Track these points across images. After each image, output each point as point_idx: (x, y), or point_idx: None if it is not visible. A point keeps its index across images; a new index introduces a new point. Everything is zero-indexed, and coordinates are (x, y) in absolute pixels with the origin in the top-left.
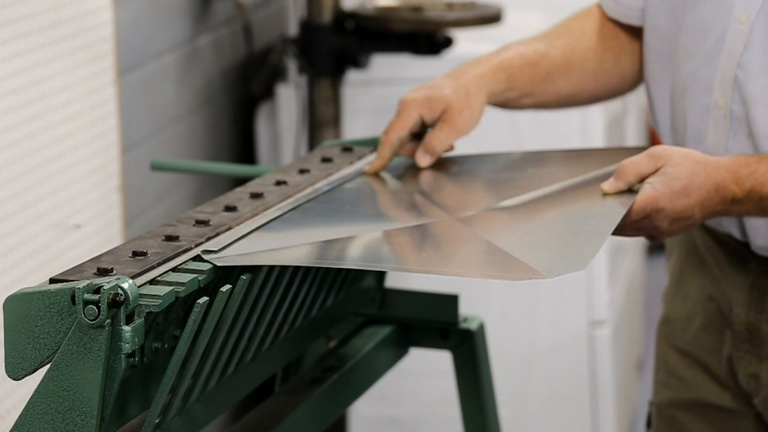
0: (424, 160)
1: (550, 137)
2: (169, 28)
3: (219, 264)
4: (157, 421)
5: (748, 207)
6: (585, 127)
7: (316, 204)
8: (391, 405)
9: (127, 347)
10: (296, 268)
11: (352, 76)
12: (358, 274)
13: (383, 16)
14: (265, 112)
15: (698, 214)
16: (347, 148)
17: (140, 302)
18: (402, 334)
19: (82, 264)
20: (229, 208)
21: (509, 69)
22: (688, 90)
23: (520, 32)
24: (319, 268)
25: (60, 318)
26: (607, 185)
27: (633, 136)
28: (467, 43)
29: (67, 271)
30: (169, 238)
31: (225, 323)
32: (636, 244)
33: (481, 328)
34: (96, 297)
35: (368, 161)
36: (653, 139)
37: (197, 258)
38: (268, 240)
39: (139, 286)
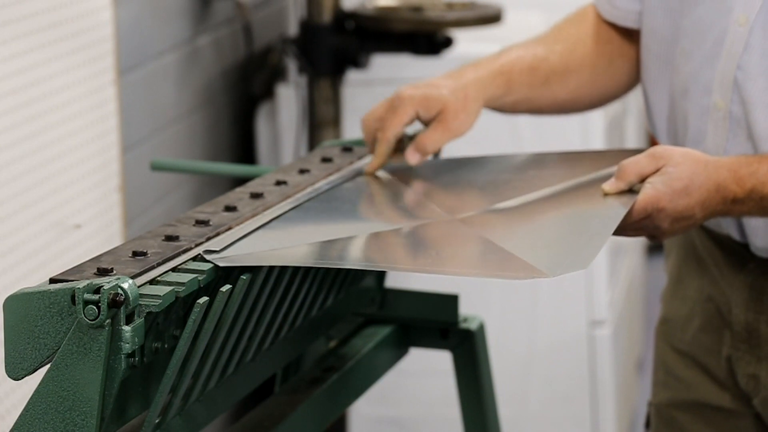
0: (413, 158)
1: (550, 138)
2: (169, 28)
3: (220, 264)
4: (157, 421)
5: (749, 207)
6: (585, 129)
7: (317, 203)
8: (391, 405)
9: (127, 347)
10: (296, 268)
11: (352, 76)
12: (358, 274)
13: (383, 16)
14: (265, 112)
15: (699, 214)
16: (347, 148)
17: (140, 302)
18: (402, 334)
19: (82, 264)
20: (229, 208)
21: (508, 74)
22: (687, 92)
23: (520, 32)
24: (319, 268)
25: (60, 318)
26: (608, 185)
27: (633, 137)
28: (467, 43)
29: (67, 271)
30: (169, 238)
31: (225, 323)
32: (636, 244)
33: (481, 328)
34: (96, 297)
35: (368, 161)
36: (653, 140)
37: (197, 258)
38: (269, 240)
39: (139, 286)
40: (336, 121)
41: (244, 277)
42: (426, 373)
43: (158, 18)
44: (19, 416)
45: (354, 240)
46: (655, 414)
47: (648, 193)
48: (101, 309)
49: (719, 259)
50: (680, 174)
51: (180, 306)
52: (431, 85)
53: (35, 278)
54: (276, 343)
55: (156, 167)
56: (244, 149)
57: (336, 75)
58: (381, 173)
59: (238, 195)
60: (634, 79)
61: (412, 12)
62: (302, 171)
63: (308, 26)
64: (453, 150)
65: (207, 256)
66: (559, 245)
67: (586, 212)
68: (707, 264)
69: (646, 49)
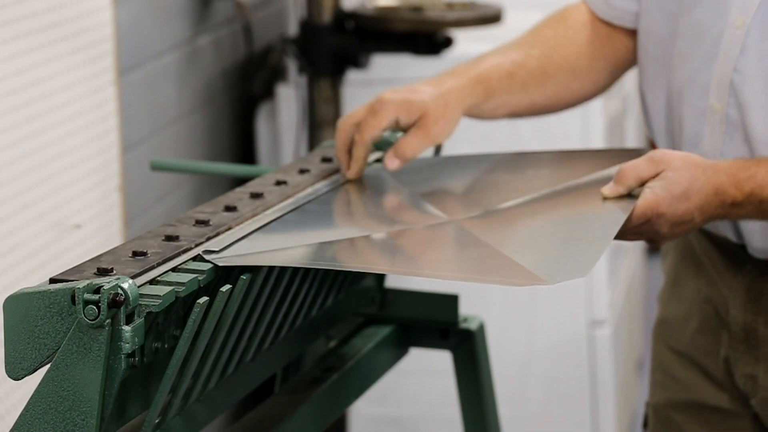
0: (392, 163)
1: (551, 138)
2: (169, 28)
3: (220, 264)
4: (157, 421)
5: (747, 210)
6: (585, 128)
7: (316, 205)
8: (391, 405)
9: (127, 347)
10: (296, 269)
11: (352, 76)
12: (358, 275)
13: (383, 16)
14: (265, 112)
15: (698, 218)
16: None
17: (140, 302)
18: (402, 334)
19: (82, 264)
20: (229, 208)
21: (487, 82)
22: (683, 94)
23: (520, 32)
24: (318, 268)
25: (60, 318)
26: (608, 189)
27: (633, 136)
28: (467, 43)
29: (67, 271)
30: (169, 238)
31: (225, 323)
32: (636, 245)
33: (481, 328)
34: (96, 297)
35: (369, 161)
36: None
37: (197, 258)
38: (268, 240)
39: (139, 286)
40: (336, 121)
41: (244, 277)
42: (426, 373)
43: (158, 18)
44: (19, 416)
45: (352, 241)
46: (653, 414)
47: (648, 198)
48: (101, 309)
49: (717, 261)
50: (679, 179)
51: (180, 306)
52: (412, 90)
53: (35, 278)
54: (276, 343)
55: (156, 167)
56: (244, 149)
57: (336, 75)
58: (384, 174)
59: (238, 195)
60: (613, 79)
61: (412, 12)
62: (302, 171)
63: (308, 26)
64: (454, 150)
65: (207, 256)
66: (559, 251)
67: (586, 216)
68: (705, 265)
69: (643, 50)
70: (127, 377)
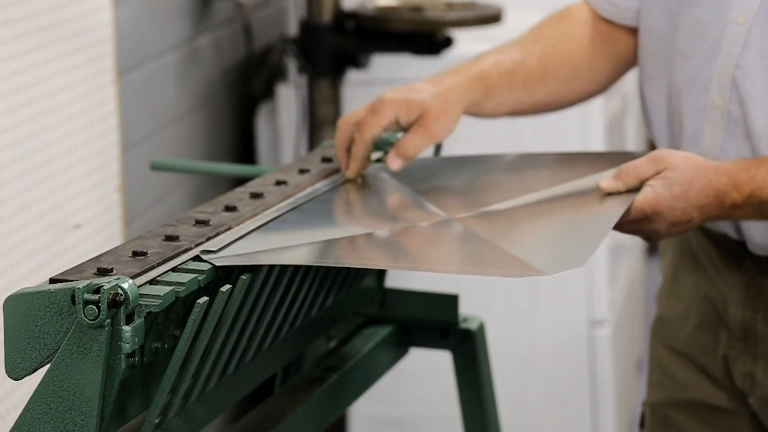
0: (395, 163)
1: (551, 138)
2: (169, 28)
3: (218, 264)
4: (157, 421)
5: (747, 211)
6: (585, 127)
7: (315, 204)
8: (391, 405)
9: (127, 347)
10: (296, 268)
11: (352, 76)
12: (358, 274)
13: (383, 16)
14: (265, 112)
15: (696, 219)
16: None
17: (140, 302)
18: (402, 334)
19: (82, 264)
20: (229, 208)
21: (486, 79)
22: (684, 91)
23: (520, 32)
24: (318, 268)
25: (60, 318)
26: (606, 182)
27: (633, 137)
28: (467, 43)
29: (67, 271)
30: (169, 238)
31: (225, 323)
32: (636, 244)
33: (481, 328)
34: (96, 297)
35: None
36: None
37: (197, 258)
38: (268, 240)
39: (139, 286)
40: (336, 121)
41: (244, 277)
42: (426, 373)
43: (158, 18)
44: (19, 416)
45: (353, 239)
46: (650, 413)
47: (648, 194)
48: (101, 309)
49: (715, 258)
50: (680, 179)
51: (180, 306)
52: (412, 89)
53: (35, 278)
54: (276, 343)
55: (156, 167)
56: (244, 149)
57: (336, 75)
58: (383, 173)
59: (238, 195)
60: (615, 78)
61: (412, 12)
62: (302, 171)
63: (308, 26)
64: (454, 149)
65: (205, 256)
66: (557, 244)
67: (584, 212)
68: (703, 263)
69: (644, 48)
70: (127, 377)
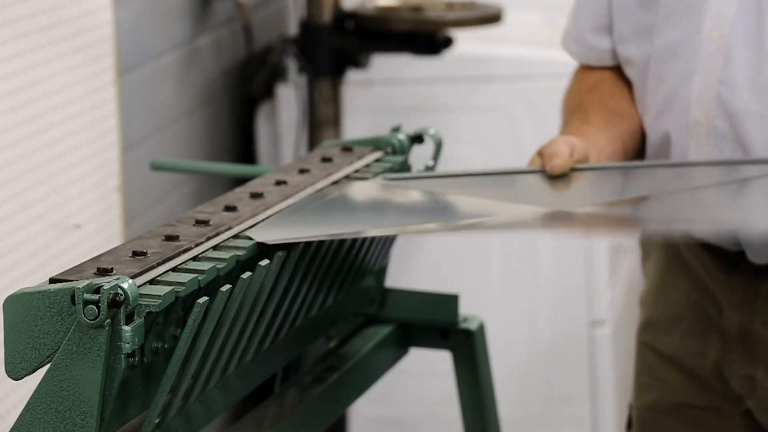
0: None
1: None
2: (169, 28)
3: (269, 242)
4: (157, 421)
5: None
6: None
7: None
8: (391, 405)
9: (127, 347)
10: (296, 267)
11: (352, 76)
12: (358, 274)
13: (383, 16)
14: (265, 112)
15: None
16: (347, 148)
17: (140, 302)
18: (402, 334)
19: (81, 264)
20: (229, 208)
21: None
22: (664, 113)
23: (520, 32)
24: (320, 267)
25: (60, 318)
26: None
27: None
28: (467, 43)
29: (66, 271)
30: (169, 238)
31: (225, 323)
32: (636, 244)
33: (481, 328)
34: (96, 297)
35: (369, 161)
36: None
37: (197, 258)
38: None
39: (139, 286)
40: (336, 121)
41: (244, 277)
42: (426, 373)
43: (158, 18)
44: (19, 416)
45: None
46: (637, 416)
47: None
48: (101, 309)
49: (708, 263)
50: None
51: (180, 306)
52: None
53: (35, 278)
54: (276, 343)
55: (156, 167)
56: (244, 149)
57: (336, 75)
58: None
59: (238, 195)
60: None
61: (412, 12)
62: (302, 171)
63: (308, 26)
64: (454, 149)
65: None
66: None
67: None
68: (693, 268)
69: (634, 83)
70: (127, 377)
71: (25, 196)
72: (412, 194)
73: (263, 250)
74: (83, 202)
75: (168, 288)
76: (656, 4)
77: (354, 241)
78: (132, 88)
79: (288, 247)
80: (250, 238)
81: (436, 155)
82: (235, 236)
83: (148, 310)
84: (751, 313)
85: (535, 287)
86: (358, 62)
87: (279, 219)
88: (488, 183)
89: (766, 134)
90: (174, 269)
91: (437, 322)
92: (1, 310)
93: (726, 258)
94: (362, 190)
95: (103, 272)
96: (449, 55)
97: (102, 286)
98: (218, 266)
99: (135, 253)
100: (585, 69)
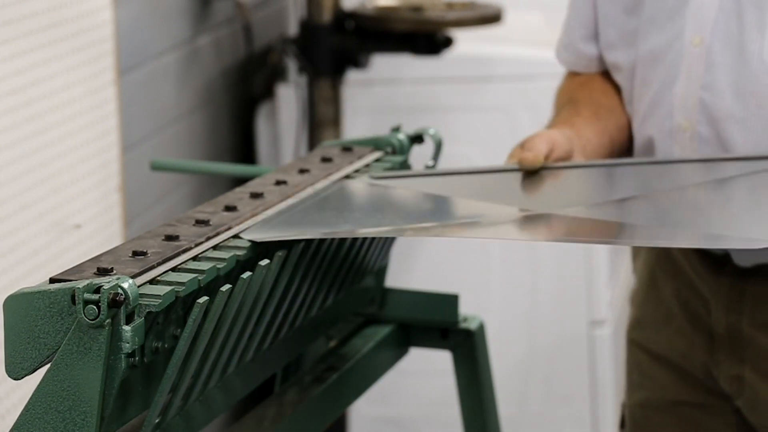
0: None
1: None
2: (169, 28)
3: (258, 240)
4: (157, 420)
5: None
6: None
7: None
8: (391, 405)
9: (127, 347)
10: (296, 266)
11: (352, 76)
12: (358, 274)
13: (383, 16)
14: (265, 112)
15: None
16: (347, 148)
17: (140, 302)
18: (402, 334)
19: (81, 264)
20: (229, 208)
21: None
22: (649, 117)
23: (520, 32)
24: (319, 268)
25: (60, 318)
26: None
27: None
28: (467, 43)
29: (67, 270)
30: (169, 238)
31: (225, 323)
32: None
33: (481, 328)
34: (96, 297)
35: (369, 161)
36: None
37: (197, 258)
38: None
39: (139, 286)
40: (336, 121)
41: (244, 277)
42: (426, 373)
43: (158, 18)
44: (19, 416)
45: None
46: (630, 415)
47: None
48: (101, 309)
49: (696, 263)
50: None
51: (180, 306)
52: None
53: (35, 278)
54: (276, 343)
55: (156, 167)
56: (244, 149)
57: (336, 75)
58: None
59: (238, 195)
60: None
61: (412, 12)
62: (302, 171)
63: (308, 26)
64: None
65: (247, 236)
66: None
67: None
68: (683, 267)
69: (620, 87)
70: (127, 377)
71: (25, 196)
72: (400, 194)
73: (263, 250)
74: (83, 202)
75: (168, 288)
76: (640, 10)
77: (354, 240)
78: (132, 88)
79: (288, 246)
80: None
81: (436, 155)
82: (235, 236)
83: (148, 309)
84: (738, 314)
85: (535, 287)
86: (358, 62)
87: (270, 218)
88: (477, 182)
89: (749, 138)
90: (174, 269)
91: (437, 322)
92: (1, 310)
93: (713, 259)
94: (349, 190)
95: (103, 272)
96: (449, 55)
97: (102, 285)
98: (218, 266)
99: (135, 253)
100: (575, 73)
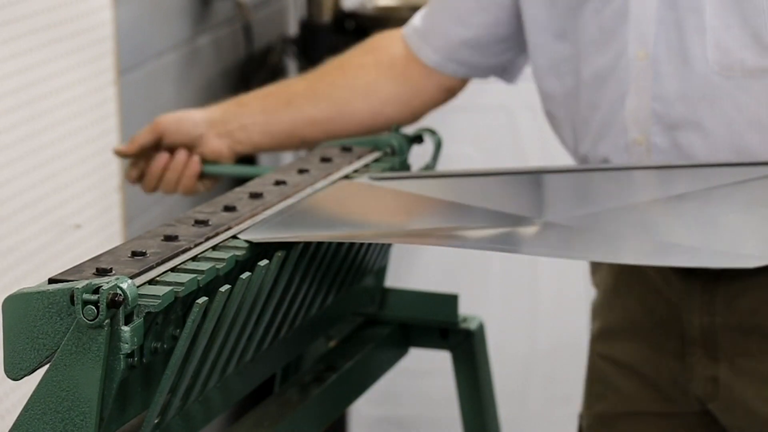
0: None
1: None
2: (169, 28)
3: (255, 241)
4: (156, 421)
5: None
6: None
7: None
8: (391, 405)
9: (126, 347)
10: (296, 267)
11: None
12: (358, 274)
13: (383, 16)
14: None
15: None
16: (347, 148)
17: (139, 302)
18: (402, 334)
19: (81, 264)
20: (229, 208)
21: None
22: (601, 138)
23: None
24: (318, 268)
25: (59, 318)
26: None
27: None
28: None
29: (66, 271)
30: (169, 238)
31: (224, 323)
32: None
33: (481, 328)
34: (95, 297)
35: (368, 161)
36: None
37: (196, 258)
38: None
39: (138, 286)
40: None
41: (243, 277)
42: (426, 373)
43: (158, 18)
44: (19, 416)
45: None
46: (589, 426)
47: None
48: (100, 309)
49: (664, 269)
50: None
51: (179, 306)
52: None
53: (35, 278)
54: (275, 343)
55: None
56: None
57: None
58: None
59: (238, 195)
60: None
61: (412, 12)
62: (302, 171)
63: (308, 26)
64: (453, 149)
65: (242, 236)
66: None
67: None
68: (648, 275)
69: (551, 117)
70: (127, 377)
71: (25, 196)
72: (400, 196)
73: (262, 250)
74: (83, 202)
75: (167, 288)
76: (575, 35)
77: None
78: (132, 88)
79: (287, 247)
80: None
81: (436, 155)
82: (234, 236)
83: (147, 310)
84: (711, 315)
85: (536, 287)
86: None
87: (269, 219)
88: (477, 184)
89: (707, 142)
90: (173, 269)
91: (437, 322)
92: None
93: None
94: (349, 191)
95: (102, 272)
96: None
97: (101, 286)
98: (217, 266)
99: (134, 254)
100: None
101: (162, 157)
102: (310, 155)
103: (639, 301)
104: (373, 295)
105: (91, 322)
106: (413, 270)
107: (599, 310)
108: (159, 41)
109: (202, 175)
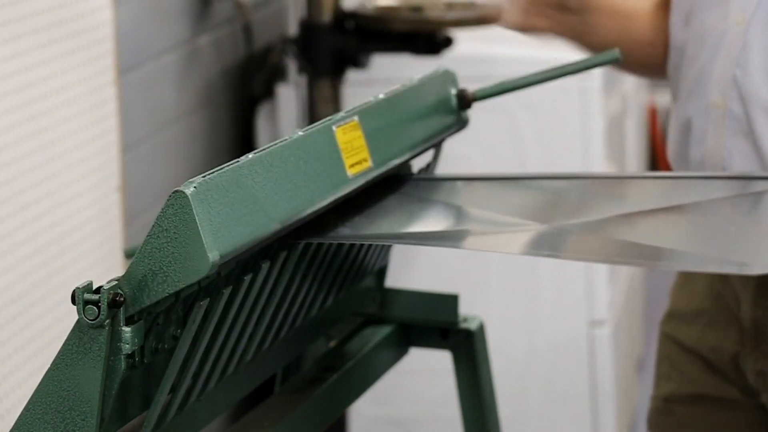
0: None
1: (550, 138)
2: (169, 28)
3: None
4: (156, 421)
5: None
6: (585, 128)
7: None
8: (391, 405)
9: (126, 348)
10: (296, 267)
11: (352, 76)
12: (358, 274)
13: (383, 16)
14: (265, 112)
15: None
16: None
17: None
18: (402, 334)
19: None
20: None
21: None
22: (691, 94)
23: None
24: (319, 268)
25: None
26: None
27: (633, 137)
28: (467, 43)
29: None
30: None
31: (225, 324)
32: None
33: (481, 328)
34: (96, 297)
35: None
36: (653, 140)
37: None
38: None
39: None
40: None
41: (246, 278)
42: (426, 373)
43: (158, 18)
44: (19, 416)
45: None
46: (656, 408)
47: None
48: (101, 309)
49: None
50: None
51: (180, 306)
52: None
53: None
54: (276, 343)
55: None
56: (244, 149)
57: (336, 75)
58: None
59: None
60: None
61: (412, 12)
62: None
63: (308, 26)
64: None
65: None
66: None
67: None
68: None
69: (673, 66)
70: (127, 377)
71: (25, 196)
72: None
73: (263, 250)
74: (83, 202)
75: None
76: None
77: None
78: (132, 88)
79: (288, 247)
80: None
81: (436, 155)
82: None
83: (147, 310)
84: (764, 308)
85: (535, 287)
86: (358, 62)
87: None
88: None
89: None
90: None
91: (437, 322)
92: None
93: None
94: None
95: None
96: (449, 55)
97: (102, 286)
98: None
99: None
100: None
101: None
102: None
103: (708, 287)
104: (373, 296)
105: (92, 322)
106: (413, 270)
107: (672, 291)
108: (159, 41)
109: None
